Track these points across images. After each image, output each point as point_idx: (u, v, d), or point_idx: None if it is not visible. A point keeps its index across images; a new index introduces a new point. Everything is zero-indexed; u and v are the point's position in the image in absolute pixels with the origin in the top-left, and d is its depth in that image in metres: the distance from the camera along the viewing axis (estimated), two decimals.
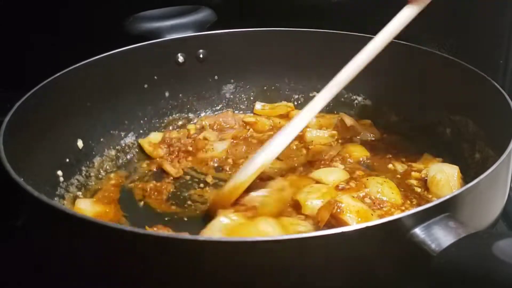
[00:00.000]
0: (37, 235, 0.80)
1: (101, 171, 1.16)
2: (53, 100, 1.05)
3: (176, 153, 1.19)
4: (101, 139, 1.19)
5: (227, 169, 1.15)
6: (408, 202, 1.00)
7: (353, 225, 0.65)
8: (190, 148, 1.21)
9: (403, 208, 0.98)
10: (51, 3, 1.30)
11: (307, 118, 1.01)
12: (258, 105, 1.35)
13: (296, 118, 1.01)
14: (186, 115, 1.32)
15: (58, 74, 1.07)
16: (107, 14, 1.31)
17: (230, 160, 1.17)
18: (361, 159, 1.14)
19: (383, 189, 1.00)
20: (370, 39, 1.18)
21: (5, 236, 0.95)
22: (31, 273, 0.88)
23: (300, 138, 1.21)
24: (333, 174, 1.07)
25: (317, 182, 1.06)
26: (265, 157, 0.99)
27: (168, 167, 1.14)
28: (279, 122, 1.29)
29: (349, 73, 1.00)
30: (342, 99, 1.31)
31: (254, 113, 1.34)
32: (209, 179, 1.12)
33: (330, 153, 1.14)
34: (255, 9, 1.40)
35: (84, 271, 0.74)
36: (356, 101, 1.32)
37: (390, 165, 1.12)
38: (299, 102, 1.36)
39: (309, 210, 0.96)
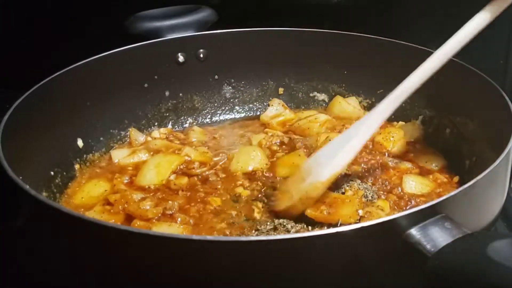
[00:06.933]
0: (36, 235, 0.81)
1: None
2: (53, 99, 1.05)
3: None
4: (101, 138, 1.19)
5: None
6: None
7: (349, 226, 0.65)
8: None
9: None
10: (51, 3, 1.30)
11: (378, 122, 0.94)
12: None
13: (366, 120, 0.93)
14: (186, 115, 1.32)
15: (58, 73, 1.07)
16: (108, 13, 1.31)
17: None
18: None
19: None
20: (369, 39, 1.18)
21: (5, 236, 0.95)
22: (31, 272, 0.88)
23: None
24: None
25: None
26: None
27: None
28: None
29: (415, 81, 0.95)
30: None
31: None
32: None
33: None
34: (255, 9, 1.40)
35: (83, 271, 0.75)
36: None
37: None
38: (299, 101, 1.36)
39: None
